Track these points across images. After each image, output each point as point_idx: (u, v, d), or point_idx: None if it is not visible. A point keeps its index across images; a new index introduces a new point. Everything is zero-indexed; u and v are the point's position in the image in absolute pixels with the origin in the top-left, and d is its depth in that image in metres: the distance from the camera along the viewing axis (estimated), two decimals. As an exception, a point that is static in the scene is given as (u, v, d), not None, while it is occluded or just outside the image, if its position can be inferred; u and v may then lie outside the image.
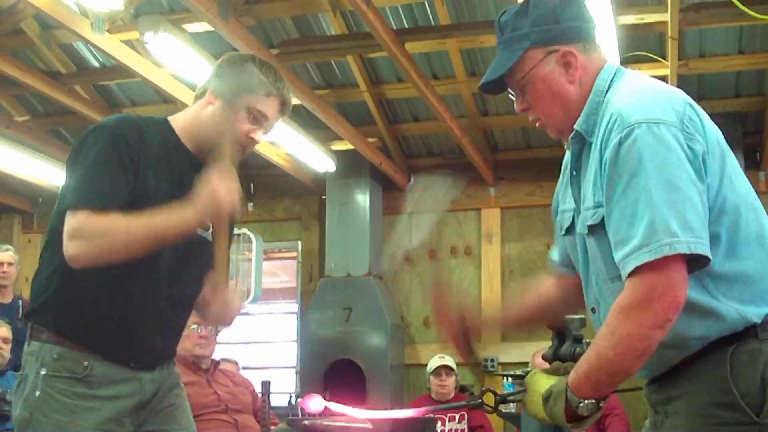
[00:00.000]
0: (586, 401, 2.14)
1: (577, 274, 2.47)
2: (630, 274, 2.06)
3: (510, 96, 2.44)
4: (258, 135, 2.93)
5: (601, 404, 2.15)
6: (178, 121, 2.96)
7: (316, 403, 2.58)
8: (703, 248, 2.04)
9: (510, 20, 2.37)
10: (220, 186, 2.67)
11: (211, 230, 2.93)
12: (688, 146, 2.11)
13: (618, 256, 2.10)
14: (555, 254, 2.65)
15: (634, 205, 2.07)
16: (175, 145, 2.91)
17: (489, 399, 2.48)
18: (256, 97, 2.89)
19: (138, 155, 2.77)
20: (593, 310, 2.37)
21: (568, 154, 2.48)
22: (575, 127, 2.31)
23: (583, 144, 2.32)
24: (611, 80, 2.32)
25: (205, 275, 3.00)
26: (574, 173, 2.36)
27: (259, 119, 2.91)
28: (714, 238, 2.10)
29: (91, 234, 2.63)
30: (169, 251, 2.80)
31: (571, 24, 2.33)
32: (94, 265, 2.66)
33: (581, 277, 2.41)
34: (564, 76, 2.32)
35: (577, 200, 2.35)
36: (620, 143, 2.11)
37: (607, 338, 2.09)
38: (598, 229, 2.21)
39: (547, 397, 2.21)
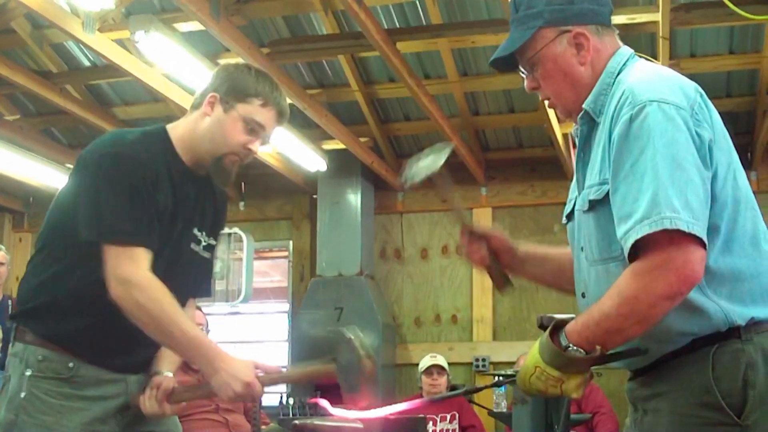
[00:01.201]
0: (574, 347, 2.12)
1: None
2: (640, 249, 2.05)
3: (521, 74, 2.44)
4: (255, 146, 2.91)
5: (590, 354, 2.11)
6: (176, 131, 2.94)
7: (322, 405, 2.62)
8: (700, 231, 2.03)
9: None
10: (246, 381, 2.69)
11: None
12: (696, 132, 2.11)
13: (621, 231, 2.09)
14: None
15: (640, 180, 2.07)
16: (174, 159, 2.89)
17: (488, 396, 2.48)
18: (253, 107, 2.87)
19: (151, 180, 2.77)
20: (583, 295, 2.37)
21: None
22: (584, 106, 2.31)
23: (591, 125, 2.32)
24: (624, 64, 2.33)
25: (197, 288, 3.04)
26: (582, 154, 2.37)
27: (256, 130, 2.89)
28: (712, 230, 2.10)
29: (144, 301, 2.66)
30: (163, 263, 2.79)
31: (586, 6, 2.34)
32: (122, 309, 2.69)
33: (574, 262, 2.41)
34: (575, 57, 2.32)
35: (581, 181, 2.35)
36: (631, 120, 2.11)
37: (613, 297, 2.08)
38: (599, 205, 2.21)
39: (540, 340, 2.19)
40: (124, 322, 2.72)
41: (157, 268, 2.75)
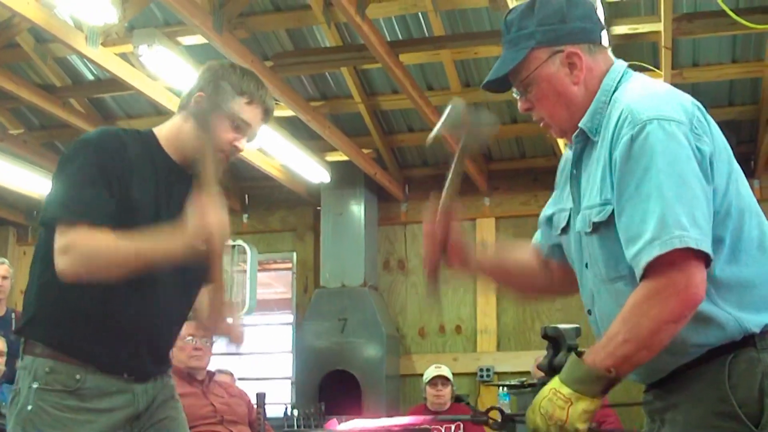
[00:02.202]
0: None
1: (560, 262, 2.48)
2: (647, 270, 2.05)
3: (514, 95, 2.43)
4: (241, 143, 2.92)
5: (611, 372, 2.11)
6: (162, 132, 2.96)
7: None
8: (708, 247, 2.04)
9: (516, 19, 2.37)
10: (209, 213, 2.65)
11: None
12: (697, 146, 2.11)
13: (630, 253, 2.09)
14: (540, 237, 2.61)
15: (646, 201, 2.06)
16: (160, 156, 2.89)
17: (495, 417, 2.47)
18: (238, 105, 2.88)
19: (122, 167, 2.76)
20: (589, 312, 2.36)
21: (565, 155, 2.47)
22: (580, 125, 2.30)
23: (585, 143, 2.32)
24: (619, 81, 2.32)
25: (199, 288, 3.03)
26: (574, 172, 2.36)
27: (242, 127, 2.90)
28: (717, 242, 2.10)
29: (82, 252, 2.62)
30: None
31: (577, 25, 2.33)
32: (82, 281, 2.66)
33: (578, 277, 2.40)
34: (568, 77, 2.31)
35: (576, 199, 2.34)
36: (632, 140, 2.11)
37: (619, 326, 2.08)
38: (603, 226, 2.20)
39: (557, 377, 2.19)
40: (129, 322, 2.74)
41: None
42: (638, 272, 2.07)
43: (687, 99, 2.22)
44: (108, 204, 2.71)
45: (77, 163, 2.75)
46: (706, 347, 2.14)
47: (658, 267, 2.03)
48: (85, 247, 2.63)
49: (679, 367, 2.18)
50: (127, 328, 2.79)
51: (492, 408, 2.51)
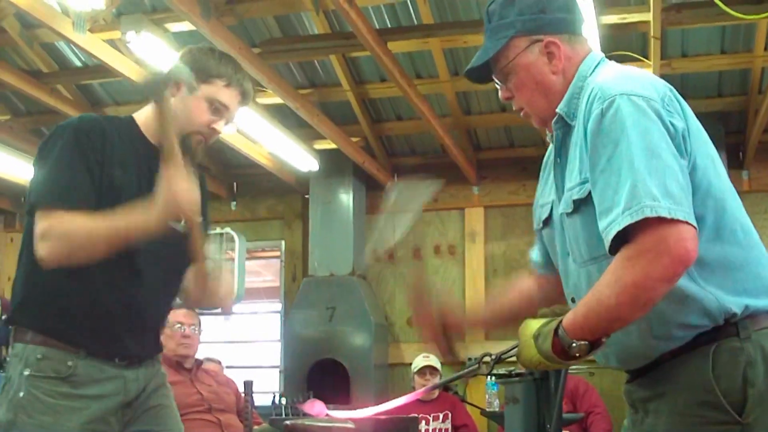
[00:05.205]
0: (578, 342, 2.10)
1: (557, 271, 2.47)
2: (631, 237, 2.03)
3: (495, 84, 2.46)
4: (219, 125, 2.99)
5: (595, 345, 2.11)
6: (140, 117, 3.01)
7: (318, 407, 2.62)
8: (684, 215, 2.02)
9: (497, 9, 2.40)
10: (176, 185, 2.70)
11: (184, 224, 2.95)
12: (670, 122, 2.12)
13: (603, 224, 2.09)
14: (535, 255, 2.66)
15: (617, 173, 2.07)
16: (140, 140, 2.95)
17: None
18: (216, 87, 2.95)
19: (102, 152, 2.81)
20: (573, 300, 2.36)
21: (549, 150, 2.48)
22: (557, 110, 2.32)
23: (566, 129, 2.33)
24: (595, 67, 2.35)
25: (184, 269, 3.05)
26: (558, 160, 2.37)
27: (220, 110, 2.97)
28: (699, 220, 2.09)
29: (59, 235, 2.68)
30: (148, 244, 2.81)
31: (557, 15, 2.36)
32: (63, 265, 2.70)
33: (560, 268, 2.41)
34: (547, 66, 2.35)
35: (559, 186, 2.35)
36: (602, 114, 2.12)
37: (611, 285, 2.06)
38: (583, 204, 2.21)
39: (536, 336, 2.18)
40: (118, 305, 2.77)
41: (143, 247, 2.79)
42: (607, 242, 2.07)
43: (659, 81, 2.24)
44: (84, 186, 2.76)
45: (55, 148, 2.80)
46: (690, 329, 2.14)
47: (643, 230, 2.01)
48: (61, 231, 2.68)
49: (663, 355, 2.19)
50: (113, 312, 2.82)
51: (486, 354, 2.52)
